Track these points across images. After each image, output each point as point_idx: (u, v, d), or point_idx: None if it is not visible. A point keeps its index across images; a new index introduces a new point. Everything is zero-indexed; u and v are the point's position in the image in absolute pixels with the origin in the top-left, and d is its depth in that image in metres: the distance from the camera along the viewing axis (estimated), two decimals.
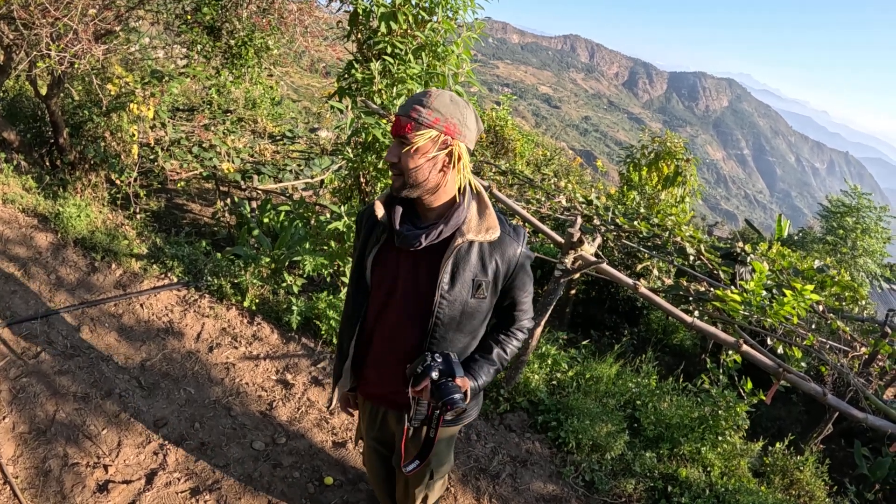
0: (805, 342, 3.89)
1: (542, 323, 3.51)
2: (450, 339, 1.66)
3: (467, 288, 1.60)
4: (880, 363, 4.67)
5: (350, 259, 4.09)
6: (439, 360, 1.58)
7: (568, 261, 3.24)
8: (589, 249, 3.25)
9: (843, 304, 4.97)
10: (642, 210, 6.27)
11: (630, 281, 3.04)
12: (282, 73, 7.95)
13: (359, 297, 1.73)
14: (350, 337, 1.78)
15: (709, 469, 3.52)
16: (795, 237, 11.00)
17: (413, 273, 1.63)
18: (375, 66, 3.60)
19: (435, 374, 1.56)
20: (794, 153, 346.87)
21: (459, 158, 1.51)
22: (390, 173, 1.48)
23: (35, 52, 4.17)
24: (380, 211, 1.59)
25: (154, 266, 4.31)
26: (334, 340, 3.91)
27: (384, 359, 1.77)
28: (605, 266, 3.06)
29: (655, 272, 5.54)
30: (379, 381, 1.83)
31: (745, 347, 2.92)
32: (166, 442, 2.89)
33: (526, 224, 6.31)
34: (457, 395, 1.52)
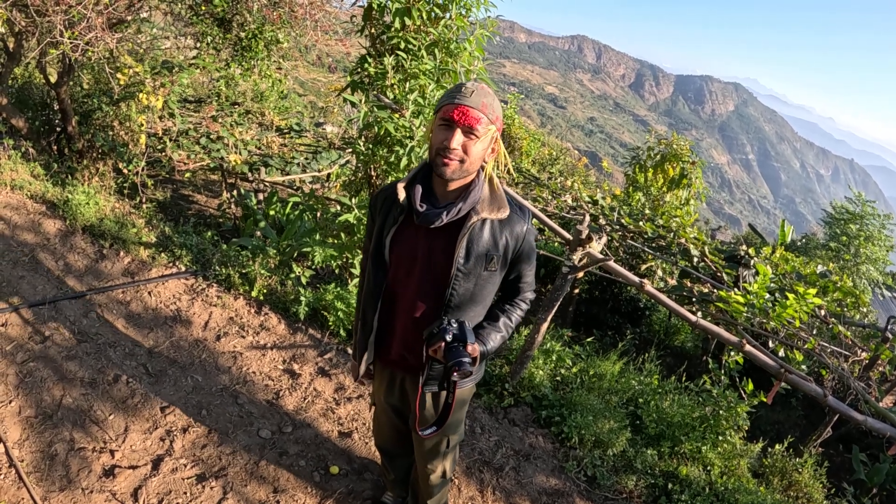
0: (807, 346, 3.91)
1: (548, 319, 3.53)
2: (463, 309, 1.83)
3: (481, 261, 1.77)
4: (880, 368, 4.69)
5: (359, 251, 4.11)
6: (454, 326, 1.72)
7: (575, 258, 3.26)
8: (596, 247, 3.27)
9: (845, 309, 4.98)
10: (647, 211, 6.29)
11: (636, 279, 3.06)
12: (290, 67, 7.96)
13: (379, 274, 1.88)
14: (374, 311, 1.93)
15: (709, 468, 3.55)
16: (799, 243, 11.01)
17: (431, 250, 1.79)
18: (389, 61, 3.62)
19: (449, 337, 1.70)
20: (798, 159, 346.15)
21: (497, 148, 1.74)
22: (440, 159, 1.63)
23: (48, 39, 4.19)
24: (402, 194, 1.75)
25: (162, 254, 4.34)
26: (342, 332, 3.94)
27: (405, 328, 1.92)
28: (611, 263, 3.08)
29: (659, 273, 5.56)
30: (399, 349, 1.97)
31: (747, 347, 2.94)
32: (173, 428, 2.91)
33: (534, 220, 6.32)
34: (465, 359, 1.66)
